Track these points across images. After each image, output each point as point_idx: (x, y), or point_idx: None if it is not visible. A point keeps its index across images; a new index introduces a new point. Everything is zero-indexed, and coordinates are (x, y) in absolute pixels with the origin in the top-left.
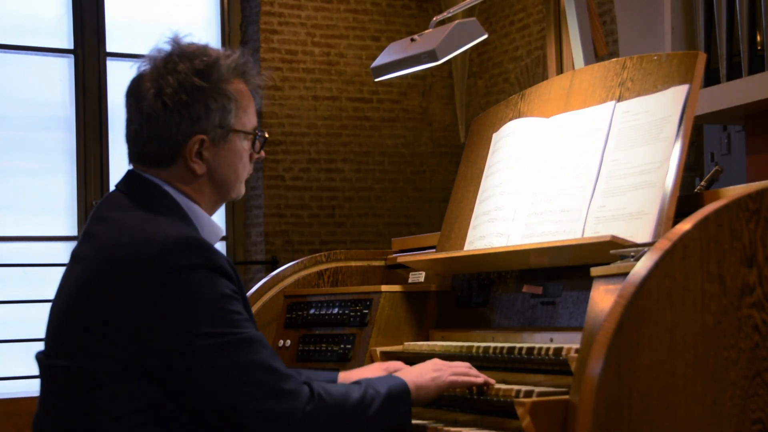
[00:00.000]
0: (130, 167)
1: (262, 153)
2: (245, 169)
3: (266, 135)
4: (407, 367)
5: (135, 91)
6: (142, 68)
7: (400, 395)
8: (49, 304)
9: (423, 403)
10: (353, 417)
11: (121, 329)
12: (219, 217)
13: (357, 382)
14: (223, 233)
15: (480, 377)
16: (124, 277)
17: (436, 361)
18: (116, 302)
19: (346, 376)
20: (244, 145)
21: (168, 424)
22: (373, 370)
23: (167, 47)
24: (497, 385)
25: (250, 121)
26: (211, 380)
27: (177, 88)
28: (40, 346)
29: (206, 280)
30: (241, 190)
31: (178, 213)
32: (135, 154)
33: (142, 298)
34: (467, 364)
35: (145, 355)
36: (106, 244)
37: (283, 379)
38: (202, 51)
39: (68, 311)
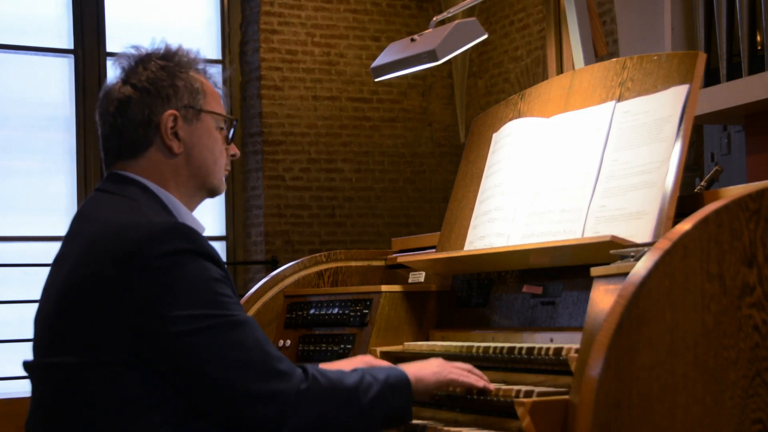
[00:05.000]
0: (107, 172)
1: (236, 149)
2: (222, 156)
3: (237, 120)
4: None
5: (104, 95)
6: (110, 80)
7: (398, 384)
8: None
9: (421, 396)
10: (349, 400)
11: (113, 319)
12: (219, 217)
13: (355, 370)
14: (204, 229)
15: (480, 381)
16: (114, 267)
17: (439, 359)
18: (107, 293)
19: (328, 367)
20: (217, 130)
21: (166, 411)
22: (356, 363)
23: (129, 53)
24: (497, 385)
25: (219, 109)
26: (204, 363)
27: (142, 71)
28: None
29: (195, 265)
30: (221, 181)
31: (159, 204)
32: (113, 150)
33: (132, 287)
34: (470, 366)
35: (139, 342)
36: (92, 239)
37: (276, 360)
38: (162, 45)
39: (58, 309)
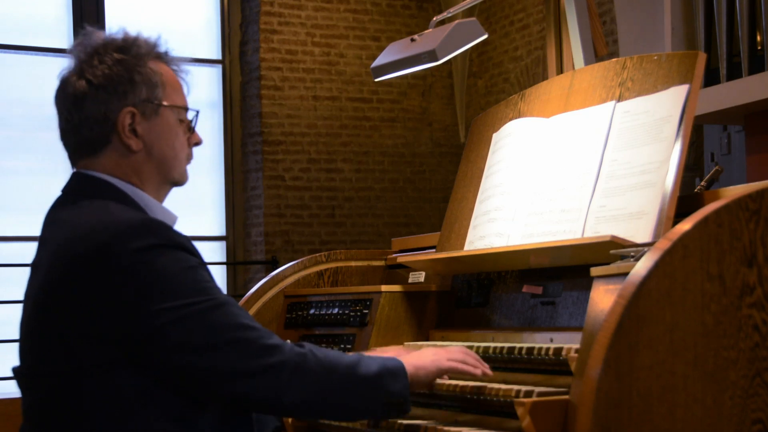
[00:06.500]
0: (73, 170)
1: (198, 137)
2: (183, 149)
3: (198, 111)
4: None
5: (61, 85)
6: (65, 68)
7: (396, 370)
8: None
9: (422, 384)
10: (349, 374)
11: (91, 322)
12: (219, 217)
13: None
14: (177, 219)
15: (478, 368)
16: (84, 269)
17: (431, 348)
18: (81, 296)
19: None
20: (178, 122)
21: (158, 408)
22: (395, 351)
23: (86, 41)
24: (497, 385)
25: (180, 99)
26: (194, 351)
27: (98, 65)
28: None
29: (166, 258)
30: (184, 172)
31: (127, 201)
32: (71, 147)
33: (105, 287)
34: (464, 349)
35: (122, 343)
36: (61, 242)
37: (264, 335)
38: (120, 34)
39: (37, 317)
